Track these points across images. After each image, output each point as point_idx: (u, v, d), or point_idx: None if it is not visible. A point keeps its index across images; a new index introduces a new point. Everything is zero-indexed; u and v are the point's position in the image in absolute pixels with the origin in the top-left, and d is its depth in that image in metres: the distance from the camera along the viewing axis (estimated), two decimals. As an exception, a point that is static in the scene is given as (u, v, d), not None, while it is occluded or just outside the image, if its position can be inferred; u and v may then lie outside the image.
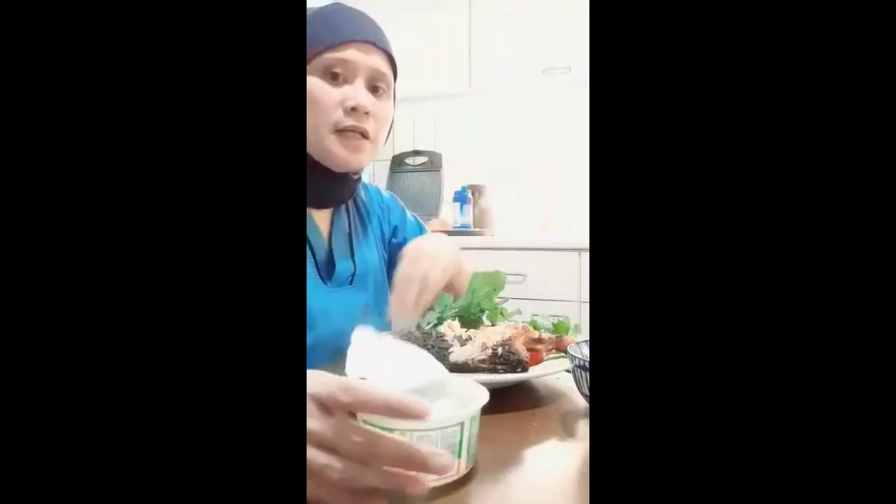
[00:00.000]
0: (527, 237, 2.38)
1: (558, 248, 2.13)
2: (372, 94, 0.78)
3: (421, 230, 0.99)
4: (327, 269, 0.83)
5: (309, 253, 0.81)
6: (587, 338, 0.66)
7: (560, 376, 0.70)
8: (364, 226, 0.91)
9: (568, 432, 0.57)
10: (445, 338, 0.67)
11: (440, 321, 0.76)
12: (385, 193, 1.00)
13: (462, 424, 0.42)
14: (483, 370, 0.63)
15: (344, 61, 0.75)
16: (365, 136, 0.78)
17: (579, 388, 0.61)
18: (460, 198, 2.51)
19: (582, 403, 0.63)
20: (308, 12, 0.75)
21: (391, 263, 0.89)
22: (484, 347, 0.64)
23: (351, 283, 0.84)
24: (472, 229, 2.48)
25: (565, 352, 0.68)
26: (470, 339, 0.67)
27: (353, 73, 0.77)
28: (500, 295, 0.83)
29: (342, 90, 0.76)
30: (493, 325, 0.79)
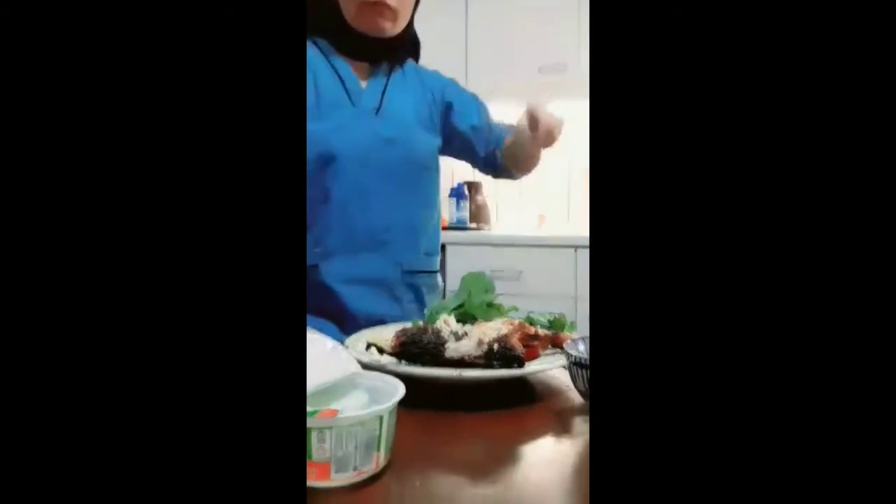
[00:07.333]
0: (523, 233, 2.38)
1: (554, 245, 2.13)
2: None
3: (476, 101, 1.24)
4: (356, 97, 1.04)
5: (339, 83, 1.03)
6: (583, 334, 0.66)
7: (556, 373, 0.70)
8: (407, 88, 1.11)
9: (564, 428, 0.57)
10: (441, 333, 0.67)
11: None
12: (446, 79, 1.23)
13: (381, 418, 0.43)
14: (479, 366, 0.63)
15: None
16: (388, 7, 0.99)
17: (575, 384, 0.61)
18: (456, 193, 2.51)
19: (578, 400, 0.63)
20: None
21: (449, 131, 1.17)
22: (480, 343, 0.64)
23: (376, 113, 1.03)
24: (468, 225, 2.48)
25: (561, 348, 0.68)
26: (466, 334, 0.67)
27: None
28: (495, 291, 0.84)
29: None
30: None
